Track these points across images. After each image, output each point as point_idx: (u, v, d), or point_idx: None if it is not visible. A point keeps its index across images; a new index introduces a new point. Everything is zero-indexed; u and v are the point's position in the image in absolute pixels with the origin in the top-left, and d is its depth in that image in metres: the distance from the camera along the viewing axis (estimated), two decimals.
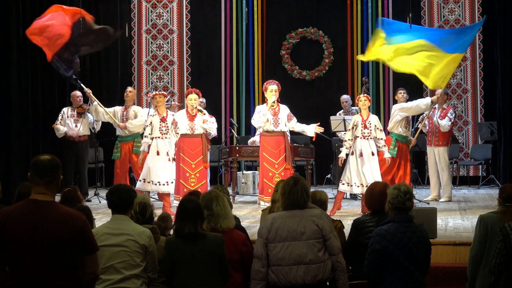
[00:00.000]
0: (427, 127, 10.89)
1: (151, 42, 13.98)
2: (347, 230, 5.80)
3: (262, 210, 7.05)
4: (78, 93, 11.40)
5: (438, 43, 9.54)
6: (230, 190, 9.78)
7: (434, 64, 9.47)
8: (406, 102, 10.44)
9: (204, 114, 9.18)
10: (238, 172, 11.79)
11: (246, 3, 13.81)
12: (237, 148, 10.80)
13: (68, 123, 11.22)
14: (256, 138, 10.78)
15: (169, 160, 9.51)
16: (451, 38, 9.70)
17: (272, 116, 9.44)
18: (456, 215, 9.23)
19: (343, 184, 9.42)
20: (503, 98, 12.36)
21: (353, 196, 10.92)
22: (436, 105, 10.87)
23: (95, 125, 11.26)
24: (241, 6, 13.81)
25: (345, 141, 9.51)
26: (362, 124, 9.41)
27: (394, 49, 9.48)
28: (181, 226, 4.82)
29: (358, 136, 9.41)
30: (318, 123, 9.55)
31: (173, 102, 11.69)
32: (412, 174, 11.98)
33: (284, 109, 9.56)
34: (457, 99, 13.39)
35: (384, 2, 13.56)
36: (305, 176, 10.13)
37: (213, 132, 11.37)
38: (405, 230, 4.82)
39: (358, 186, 9.36)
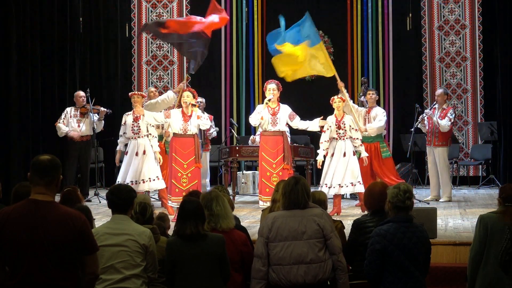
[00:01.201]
0: (427, 127, 10.89)
1: (151, 42, 13.98)
2: (347, 230, 5.80)
3: (262, 210, 7.06)
4: (81, 93, 11.41)
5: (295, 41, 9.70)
6: (230, 190, 9.78)
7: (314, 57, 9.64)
8: (375, 102, 10.51)
9: (198, 107, 9.17)
10: (238, 172, 11.79)
11: (246, 3, 13.81)
12: (237, 148, 10.79)
13: (71, 123, 11.23)
14: (256, 137, 10.79)
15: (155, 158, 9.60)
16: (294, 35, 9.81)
17: (270, 116, 9.43)
18: (456, 215, 9.23)
19: (322, 186, 9.44)
20: (503, 98, 12.37)
21: (353, 196, 10.93)
22: (436, 105, 10.87)
23: (95, 126, 11.26)
24: (241, 6, 13.82)
25: (321, 143, 9.54)
26: (336, 125, 9.45)
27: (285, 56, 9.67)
28: (182, 227, 4.82)
29: (334, 137, 9.45)
30: (322, 117, 9.57)
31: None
32: (412, 174, 12.01)
33: (285, 109, 9.55)
34: (457, 99, 13.39)
35: (384, 2, 13.56)
36: (305, 176, 10.13)
37: (212, 131, 11.40)
38: (405, 230, 4.82)
39: (343, 187, 9.39)
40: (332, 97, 9.72)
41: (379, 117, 10.29)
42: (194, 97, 9.27)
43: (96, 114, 11.31)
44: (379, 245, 4.79)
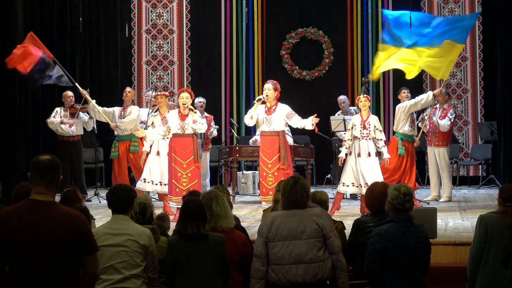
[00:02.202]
0: (428, 127, 10.89)
1: (151, 42, 13.98)
2: (347, 231, 5.80)
3: (263, 210, 7.06)
4: (69, 93, 11.37)
5: (437, 39, 9.59)
6: (230, 190, 9.78)
7: (435, 57, 9.57)
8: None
9: (195, 113, 9.13)
10: (238, 172, 11.79)
11: (246, 3, 13.81)
12: (237, 148, 10.79)
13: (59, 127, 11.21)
14: (257, 137, 10.78)
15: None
16: (446, 28, 9.71)
17: (265, 115, 9.41)
18: (456, 215, 9.23)
19: (341, 185, 9.44)
20: (503, 98, 12.37)
21: (353, 196, 10.93)
22: (437, 105, 10.87)
23: (94, 125, 11.25)
24: (241, 6, 13.82)
25: (345, 141, 9.55)
26: (361, 125, 9.42)
27: (398, 55, 9.60)
28: (184, 227, 4.83)
29: (357, 137, 9.42)
30: (315, 115, 9.50)
31: (170, 102, 11.67)
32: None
33: (283, 109, 9.49)
34: (457, 99, 13.39)
35: (384, 2, 13.57)
36: (305, 176, 10.13)
37: (212, 130, 11.40)
38: (405, 230, 4.82)
39: (357, 186, 9.36)
40: (358, 97, 9.68)
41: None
42: (191, 97, 9.25)
43: (86, 113, 11.26)
44: (379, 245, 4.79)
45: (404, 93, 10.51)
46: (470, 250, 5.30)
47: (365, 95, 9.57)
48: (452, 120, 10.86)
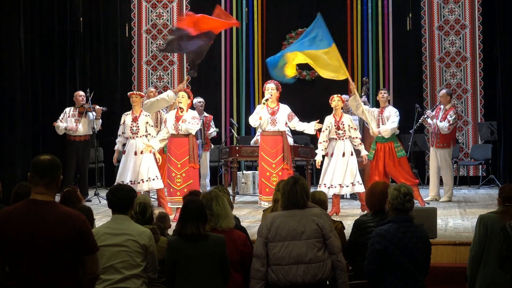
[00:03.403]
0: (432, 127, 10.86)
1: (151, 42, 13.98)
2: (347, 231, 5.80)
3: (263, 210, 7.05)
4: (81, 92, 11.42)
5: (306, 47, 9.65)
6: (230, 190, 9.78)
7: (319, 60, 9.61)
8: (387, 102, 10.38)
9: (183, 111, 9.10)
10: (238, 172, 11.79)
11: (246, 3, 13.81)
12: (237, 148, 10.79)
13: (69, 123, 11.23)
14: (258, 137, 10.78)
15: (154, 156, 9.57)
16: (310, 43, 9.72)
17: (269, 116, 9.42)
18: (456, 215, 9.23)
19: (321, 186, 9.46)
20: (503, 98, 12.37)
21: (353, 196, 10.92)
22: (441, 106, 10.86)
23: (95, 125, 11.27)
24: (241, 6, 13.81)
25: (320, 143, 9.56)
26: (335, 125, 9.47)
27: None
28: (184, 227, 4.83)
29: (333, 138, 9.46)
30: (318, 120, 9.56)
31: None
32: (413, 173, 11.97)
33: (284, 109, 9.52)
34: (457, 99, 13.38)
35: (384, 2, 13.56)
36: (305, 176, 10.13)
37: (212, 131, 11.41)
38: (405, 230, 4.83)
39: (344, 187, 9.41)
40: (332, 96, 9.72)
41: (392, 118, 10.10)
42: (189, 97, 9.24)
43: (93, 113, 11.30)
44: (379, 245, 4.79)
45: (381, 93, 10.44)
46: (470, 250, 5.30)
47: (338, 95, 9.63)
48: (451, 122, 10.77)
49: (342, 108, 9.80)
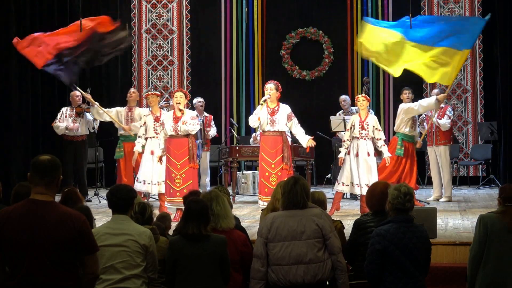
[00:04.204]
0: (425, 127, 10.87)
1: (151, 42, 13.98)
2: (347, 230, 5.80)
3: (261, 210, 7.05)
4: (77, 93, 11.40)
5: (434, 41, 9.49)
6: (230, 190, 9.77)
7: (437, 61, 9.46)
8: (412, 102, 10.37)
9: (183, 112, 9.10)
10: (238, 172, 11.79)
11: (246, 3, 13.81)
12: (237, 148, 10.79)
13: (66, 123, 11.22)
14: (258, 135, 10.78)
15: (158, 160, 9.57)
16: (449, 33, 9.59)
17: (269, 116, 9.41)
18: (456, 215, 9.23)
19: (339, 184, 9.46)
20: (503, 98, 12.37)
21: (353, 196, 10.92)
22: None
23: (94, 125, 11.26)
24: (241, 6, 13.81)
25: (344, 141, 9.58)
26: (359, 125, 9.44)
27: (387, 40, 9.46)
28: (185, 226, 4.83)
29: (355, 137, 9.44)
30: (312, 137, 9.57)
31: (171, 103, 11.67)
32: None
33: (285, 109, 9.50)
34: (457, 99, 13.39)
35: (384, 2, 13.57)
36: (305, 176, 10.13)
37: (212, 131, 11.41)
38: (405, 230, 4.82)
39: (357, 186, 9.38)
40: (356, 96, 9.70)
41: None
42: (186, 97, 9.24)
43: (91, 113, 11.27)
44: (379, 245, 4.79)
45: (406, 93, 10.43)
46: (470, 250, 5.30)
47: (363, 95, 9.59)
48: (451, 118, 10.87)
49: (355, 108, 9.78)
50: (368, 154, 9.40)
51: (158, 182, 9.68)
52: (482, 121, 13.20)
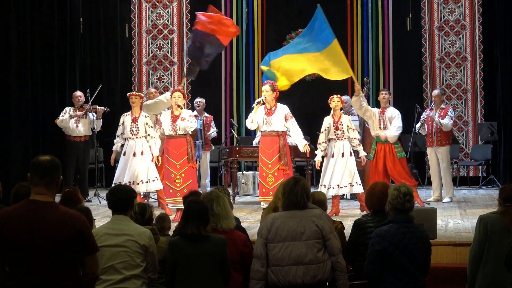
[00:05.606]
0: (426, 129, 10.85)
1: (151, 43, 13.98)
2: (347, 231, 5.80)
3: (263, 209, 7.05)
4: (78, 93, 11.41)
5: (307, 49, 9.59)
6: (230, 190, 9.77)
7: (323, 62, 9.55)
8: (388, 103, 10.30)
9: (182, 109, 9.10)
10: (238, 173, 11.79)
11: (246, 3, 13.81)
12: (237, 148, 10.79)
13: (69, 123, 11.22)
14: (258, 137, 10.78)
15: (152, 159, 9.57)
16: (310, 40, 9.66)
17: (265, 116, 9.41)
18: (456, 215, 9.23)
19: (321, 187, 9.46)
20: (503, 98, 12.36)
21: (353, 196, 10.92)
22: (433, 106, 10.88)
23: (95, 125, 11.26)
24: (241, 6, 13.82)
25: (319, 144, 9.56)
26: (334, 126, 9.47)
27: (283, 62, 9.62)
28: (184, 227, 4.83)
29: (332, 138, 9.47)
30: (309, 143, 9.60)
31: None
32: (413, 174, 11.98)
33: (282, 109, 9.48)
34: (457, 99, 13.39)
35: (384, 2, 13.57)
36: (305, 176, 10.13)
37: (212, 132, 11.41)
38: (405, 230, 4.82)
39: (342, 187, 9.41)
40: (331, 97, 9.70)
41: (396, 122, 10.00)
42: (184, 97, 9.25)
43: (94, 114, 11.31)
44: (379, 246, 4.79)
45: (382, 94, 10.33)
46: (470, 250, 5.30)
47: (338, 96, 9.62)
48: (453, 118, 10.88)
49: (341, 109, 9.77)
50: (343, 155, 9.41)
51: (148, 180, 9.68)
52: (482, 122, 13.20)
